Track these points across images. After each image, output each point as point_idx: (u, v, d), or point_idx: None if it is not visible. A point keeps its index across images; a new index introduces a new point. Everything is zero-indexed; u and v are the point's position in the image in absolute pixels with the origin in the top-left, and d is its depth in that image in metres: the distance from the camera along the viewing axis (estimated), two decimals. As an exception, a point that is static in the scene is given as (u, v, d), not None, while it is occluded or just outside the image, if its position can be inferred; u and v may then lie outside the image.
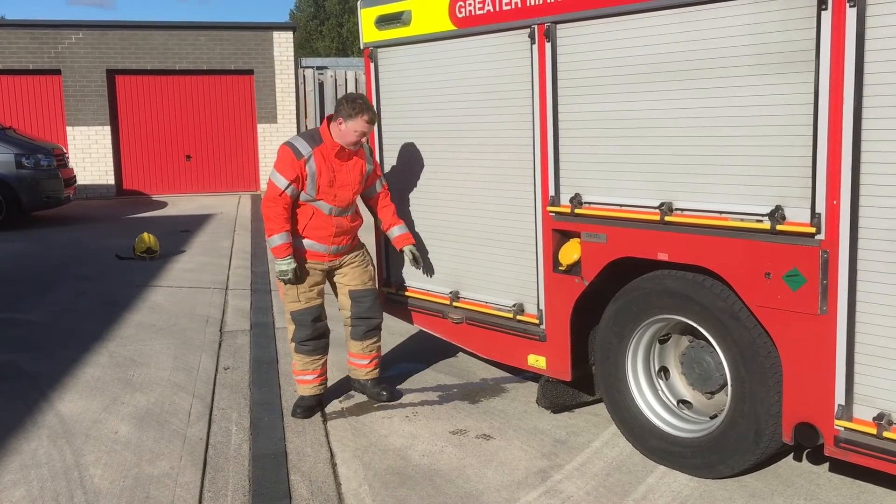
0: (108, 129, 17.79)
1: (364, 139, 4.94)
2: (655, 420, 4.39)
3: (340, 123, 4.84)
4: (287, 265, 4.87)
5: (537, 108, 4.63)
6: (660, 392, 4.47)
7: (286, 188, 4.80)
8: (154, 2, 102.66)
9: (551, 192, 4.63)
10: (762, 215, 3.69)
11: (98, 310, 7.97)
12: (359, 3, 5.74)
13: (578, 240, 4.56)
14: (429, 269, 5.54)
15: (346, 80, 18.29)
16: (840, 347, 3.51)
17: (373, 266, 5.36)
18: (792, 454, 4.32)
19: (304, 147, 4.86)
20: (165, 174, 18.43)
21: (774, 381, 3.81)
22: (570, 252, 4.61)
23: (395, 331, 6.90)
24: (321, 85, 18.33)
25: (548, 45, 4.48)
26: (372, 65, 5.61)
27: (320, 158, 4.85)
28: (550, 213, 4.65)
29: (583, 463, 4.41)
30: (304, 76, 18.34)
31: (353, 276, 5.21)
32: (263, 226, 4.98)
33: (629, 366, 4.46)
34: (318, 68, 18.94)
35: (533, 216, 4.75)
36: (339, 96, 18.11)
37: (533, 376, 5.52)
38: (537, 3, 4.49)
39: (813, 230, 3.52)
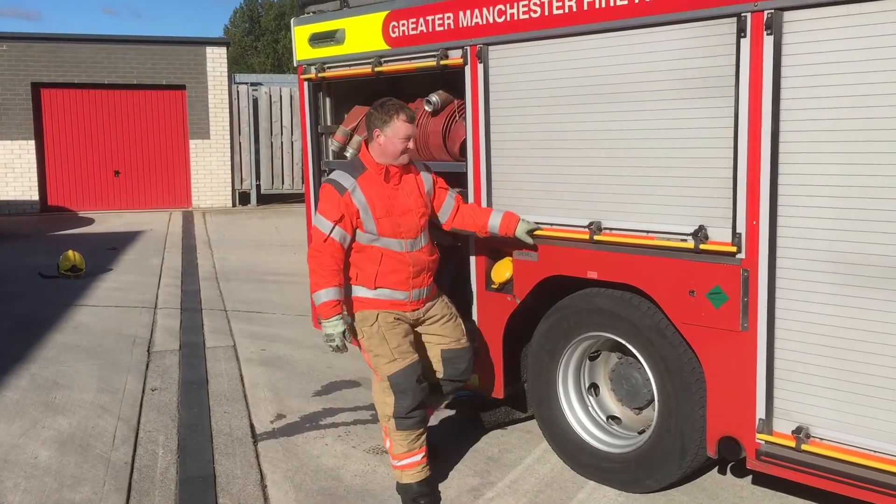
0: (32, 143, 17.24)
1: (412, 145, 4.16)
2: (585, 436, 4.44)
3: (378, 136, 4.06)
4: (333, 327, 3.99)
5: (470, 128, 4.68)
6: (590, 408, 4.53)
7: (331, 231, 3.99)
8: (83, 15, 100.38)
9: (484, 211, 4.68)
10: (686, 235, 3.80)
11: (19, 330, 7.69)
12: (292, 20, 5.73)
13: (510, 258, 4.62)
14: None
15: (280, 96, 18.14)
16: (760, 363, 3.62)
17: (461, 318, 4.45)
18: (717, 468, 4.43)
19: (345, 179, 4.06)
20: (93, 190, 17.94)
21: (699, 397, 3.91)
22: (503, 270, 4.66)
23: (327, 349, 6.84)
24: (255, 101, 18.14)
25: (480, 67, 4.54)
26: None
27: (368, 186, 4.05)
28: (483, 232, 4.69)
29: (514, 480, 4.43)
30: (237, 92, 18.13)
31: (445, 332, 4.30)
32: (309, 278, 4.10)
33: (560, 383, 4.52)
34: (253, 84, 18.75)
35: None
36: (272, 112, 17.99)
37: (467, 394, 5.53)
38: (469, 24, 4.55)
39: (734, 249, 3.63)
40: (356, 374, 6.26)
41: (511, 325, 4.69)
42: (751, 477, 4.29)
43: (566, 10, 4.09)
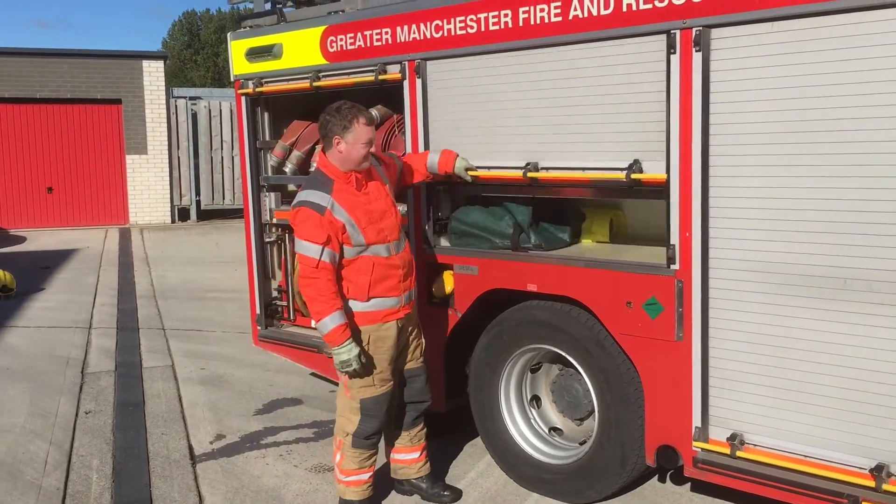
0: (-41, 159, 16.69)
1: (373, 149, 4.02)
2: (528, 448, 4.46)
3: (339, 143, 3.86)
4: (348, 352, 3.81)
5: (409, 143, 4.69)
6: (532, 420, 4.55)
7: (321, 255, 3.78)
8: (14, 28, 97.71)
9: (423, 227, 4.68)
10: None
11: (-55, 353, 7.41)
12: (229, 34, 5.67)
13: (451, 272, 4.63)
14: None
15: (220, 110, 17.90)
16: (696, 372, 3.69)
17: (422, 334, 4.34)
18: (657, 476, 4.49)
19: (319, 197, 3.85)
20: (25, 207, 17.41)
21: (637, 406, 3.96)
22: (444, 284, 4.67)
23: (269, 367, 6.77)
24: (194, 115, 17.86)
25: (418, 81, 4.56)
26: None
27: (343, 199, 3.86)
28: (424, 247, 4.69)
29: (458, 494, 4.43)
30: (176, 106, 17.84)
31: (412, 351, 4.23)
32: (308, 309, 4.01)
33: (502, 395, 4.53)
34: (192, 98, 18.45)
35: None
36: (212, 127, 17.73)
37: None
38: (407, 39, 4.57)
39: (667, 261, 3.70)
40: (298, 392, 6.19)
41: (453, 339, 4.69)
42: (689, 484, 4.36)
43: (502, 27, 4.13)
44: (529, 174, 4.12)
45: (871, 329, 3.22)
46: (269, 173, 5.75)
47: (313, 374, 6.33)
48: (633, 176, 3.76)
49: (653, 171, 3.72)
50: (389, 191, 4.12)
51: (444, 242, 4.73)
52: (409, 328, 4.16)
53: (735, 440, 3.61)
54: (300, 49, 5.14)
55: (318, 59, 5.04)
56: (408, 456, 4.31)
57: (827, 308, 3.31)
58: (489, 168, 4.34)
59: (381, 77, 4.73)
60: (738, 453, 3.60)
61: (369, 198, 3.96)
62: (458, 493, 4.32)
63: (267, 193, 5.76)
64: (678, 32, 3.54)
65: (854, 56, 3.12)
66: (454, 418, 4.97)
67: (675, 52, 3.57)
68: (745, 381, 3.57)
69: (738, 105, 3.45)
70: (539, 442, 4.48)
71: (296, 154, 5.59)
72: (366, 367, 3.92)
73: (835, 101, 3.18)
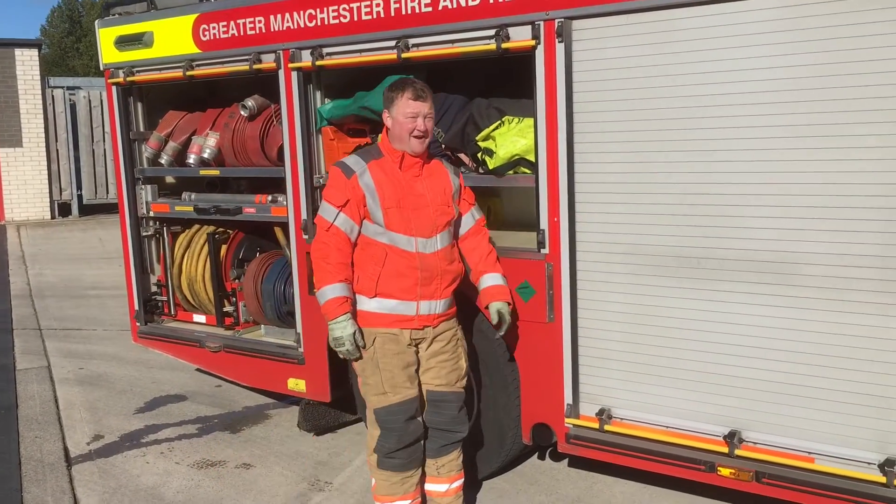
0: None
1: (429, 134, 3.57)
2: (411, 433, 4.52)
3: (387, 119, 3.56)
4: (342, 329, 3.46)
5: (286, 133, 4.65)
6: (415, 406, 4.61)
7: (335, 218, 3.47)
8: None
9: (303, 217, 4.67)
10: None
11: None
12: (97, 22, 5.48)
13: (332, 262, 4.62)
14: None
15: (101, 100, 17.12)
16: (566, 352, 3.84)
17: (466, 360, 3.79)
18: (536, 454, 4.64)
19: (356, 162, 3.56)
20: None
21: (514, 387, 4.08)
22: (325, 274, 4.66)
23: (153, 364, 6.61)
24: (73, 106, 17.07)
25: (294, 71, 4.52)
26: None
27: (380, 171, 3.52)
28: (304, 237, 4.68)
29: (344, 482, 4.45)
30: (52, 97, 17.01)
31: (440, 371, 3.66)
32: (313, 276, 3.59)
33: (385, 382, 4.57)
34: (70, 88, 17.61)
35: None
36: (93, 118, 17.01)
37: (297, 400, 5.49)
38: (281, 29, 4.53)
39: (538, 245, 3.83)
40: (182, 389, 6.06)
41: (335, 329, 4.69)
42: (567, 460, 4.53)
43: (374, 16, 4.15)
44: (403, 55, 4.06)
45: (723, 305, 3.42)
46: (145, 165, 5.59)
47: (199, 370, 6.21)
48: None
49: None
50: (450, 197, 3.65)
51: (324, 232, 4.72)
52: (437, 345, 3.64)
53: (603, 415, 3.78)
54: (172, 37, 5.02)
55: (191, 48, 4.93)
56: (435, 487, 3.77)
57: (683, 287, 3.50)
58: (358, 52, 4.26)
59: (255, 66, 4.68)
60: (606, 427, 3.77)
61: (414, 183, 3.55)
62: None
63: (143, 186, 5.60)
64: (542, 24, 3.66)
65: (701, 47, 3.30)
66: (341, 406, 4.99)
67: (539, 44, 3.68)
68: (612, 358, 3.73)
69: (600, 94, 3.59)
70: (422, 426, 4.55)
71: (172, 145, 5.45)
72: (371, 371, 3.56)
73: (685, 91, 3.36)
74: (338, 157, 4.58)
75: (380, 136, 3.69)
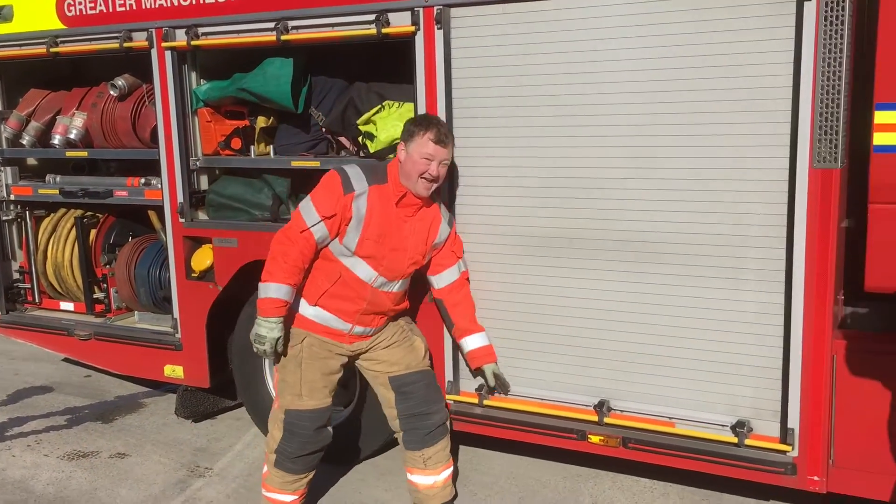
0: None
1: (440, 180, 3.47)
2: (293, 416, 4.54)
3: (401, 150, 3.43)
4: (269, 330, 3.36)
5: (160, 114, 4.54)
6: (297, 389, 4.63)
7: (315, 225, 3.35)
8: None
9: (179, 199, 4.57)
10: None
11: None
12: (-52, -7, 5.13)
13: (210, 246, 4.57)
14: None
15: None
16: (446, 330, 3.95)
17: (422, 340, 3.79)
18: (417, 431, 4.74)
19: (358, 179, 3.39)
20: None
21: (396, 367, 4.17)
22: (203, 258, 4.60)
23: (15, 355, 6.30)
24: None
25: (167, 51, 4.42)
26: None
27: (375, 200, 3.39)
28: (181, 221, 4.59)
29: (224, 467, 4.42)
30: None
31: (392, 358, 3.65)
32: (265, 265, 3.43)
33: (266, 367, 4.56)
34: None
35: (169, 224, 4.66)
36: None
37: (173, 387, 5.38)
38: (153, 6, 4.41)
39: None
40: (48, 380, 5.82)
41: (214, 314, 4.64)
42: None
43: (243, -5, 4.12)
44: (283, 37, 4.05)
45: (593, 282, 3.63)
46: (4, 146, 5.30)
47: (66, 360, 5.97)
48: (385, 146, 3.95)
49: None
50: (429, 248, 3.60)
51: (202, 216, 4.65)
52: (380, 343, 3.66)
53: (482, 390, 3.93)
54: (34, 12, 4.78)
55: (55, 24, 4.71)
56: (422, 479, 3.69)
57: (556, 265, 3.69)
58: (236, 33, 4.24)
59: (126, 45, 4.53)
60: (485, 402, 3.92)
61: (402, 224, 3.46)
62: None
63: (2, 168, 5.31)
64: (421, 10, 3.74)
65: (566, 38, 3.48)
66: (220, 392, 4.94)
67: (419, 30, 3.76)
68: (490, 335, 3.87)
69: (478, 80, 3.71)
70: (304, 409, 4.57)
71: (34, 125, 5.19)
72: (292, 370, 3.50)
73: (555, 79, 3.54)
74: (214, 138, 4.56)
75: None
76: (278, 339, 3.40)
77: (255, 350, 3.46)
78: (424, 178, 3.37)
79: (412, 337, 3.74)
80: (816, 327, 3.24)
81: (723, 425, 3.47)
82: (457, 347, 3.94)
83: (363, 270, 3.45)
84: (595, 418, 3.67)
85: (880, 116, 3.06)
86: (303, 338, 3.50)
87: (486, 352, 3.77)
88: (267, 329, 3.38)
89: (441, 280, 3.73)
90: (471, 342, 3.77)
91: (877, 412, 3.22)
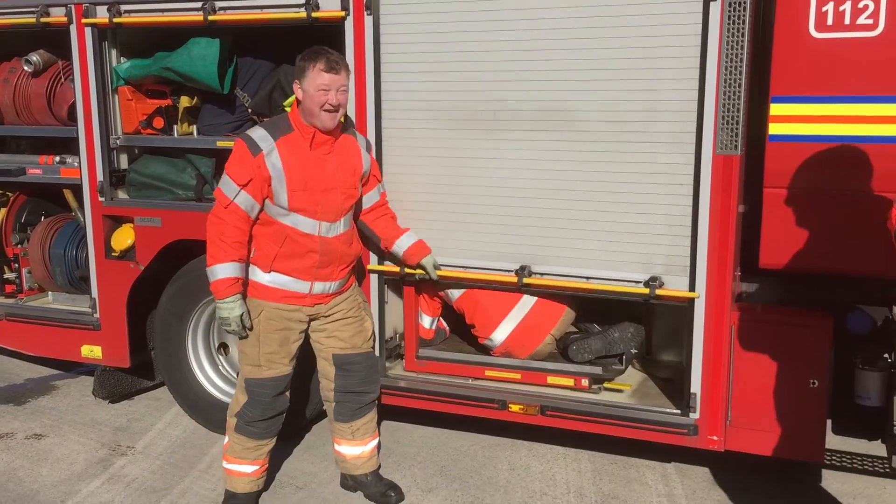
0: None
1: (342, 108, 3.43)
2: (217, 394, 4.58)
3: (297, 90, 3.40)
4: (229, 310, 3.41)
5: (79, 91, 4.48)
6: (220, 367, 4.66)
7: (236, 196, 3.36)
8: None
9: (99, 178, 4.54)
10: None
11: None
12: None
13: (131, 225, 4.55)
14: None
15: None
16: (376, 248, 4.03)
17: (371, 321, 3.89)
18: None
19: (263, 138, 3.39)
20: None
21: (322, 343, 4.27)
22: (124, 237, 4.57)
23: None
24: None
25: (89, 28, 4.37)
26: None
27: (288, 150, 3.39)
28: (100, 200, 4.55)
29: (146, 446, 4.43)
30: None
31: (342, 335, 3.71)
32: (207, 251, 3.46)
33: (189, 345, 4.58)
34: None
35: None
36: None
37: (87, 370, 5.32)
38: (75, -19, 4.35)
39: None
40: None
41: (134, 294, 4.62)
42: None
43: (179, -24, 4.13)
44: (210, 17, 4.09)
45: (515, 152, 3.75)
46: (-90, 124, 5.09)
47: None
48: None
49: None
50: (358, 178, 3.62)
51: (121, 195, 4.62)
52: (335, 314, 3.69)
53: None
54: (-57, -18, 4.62)
55: (-34, -1, 4.58)
56: (349, 450, 3.84)
57: (481, 138, 3.77)
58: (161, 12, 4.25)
59: (43, 20, 4.45)
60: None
61: (323, 163, 3.46)
62: (402, 495, 3.86)
63: None
64: (349, -5, 3.86)
65: (488, 19, 3.67)
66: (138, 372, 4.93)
67: (349, 15, 3.87)
68: (418, 208, 3.96)
69: (404, 66, 3.87)
70: (228, 387, 4.60)
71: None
72: (251, 342, 3.54)
73: (480, 66, 3.72)
74: (136, 117, 4.55)
75: (290, 105, 3.61)
76: (241, 314, 3.46)
77: (228, 332, 3.55)
78: (326, 109, 3.37)
79: (364, 317, 3.82)
80: (717, 303, 3.54)
81: (637, 281, 3.63)
82: (382, 323, 4.08)
83: (305, 223, 3.47)
84: (515, 280, 3.80)
85: (775, 108, 3.40)
86: (260, 311, 3.53)
87: (419, 246, 3.90)
88: (228, 310, 3.43)
89: (364, 202, 3.81)
90: (403, 242, 3.88)
91: (767, 375, 3.55)
